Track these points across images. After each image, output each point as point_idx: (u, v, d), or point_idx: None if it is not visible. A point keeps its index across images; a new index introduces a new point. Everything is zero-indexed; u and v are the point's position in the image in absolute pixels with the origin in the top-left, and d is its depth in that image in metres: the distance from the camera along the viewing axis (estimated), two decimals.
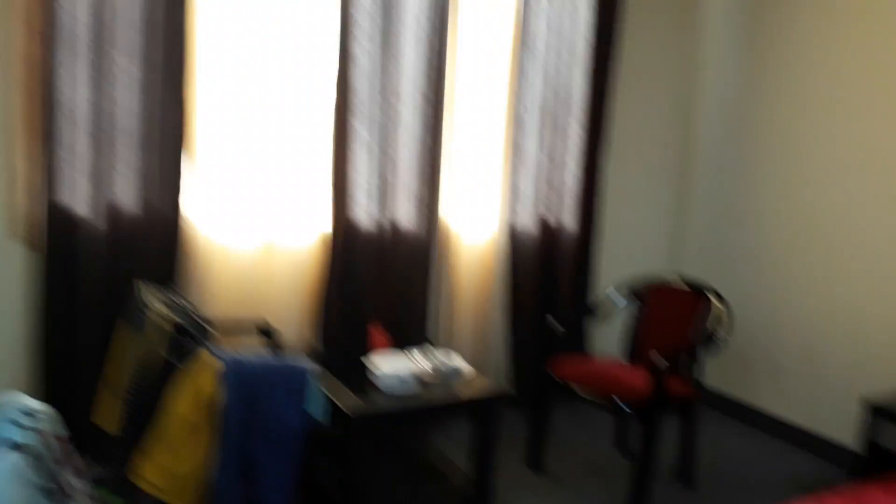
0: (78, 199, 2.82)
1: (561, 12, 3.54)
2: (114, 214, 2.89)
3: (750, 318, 3.75)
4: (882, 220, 3.17)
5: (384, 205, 3.32)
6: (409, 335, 3.39)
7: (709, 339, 2.87)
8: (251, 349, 2.81)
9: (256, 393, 2.26)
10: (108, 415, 2.54)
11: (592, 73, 3.63)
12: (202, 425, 2.19)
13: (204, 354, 2.26)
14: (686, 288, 3.15)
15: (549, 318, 3.04)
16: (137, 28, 2.82)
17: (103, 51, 2.77)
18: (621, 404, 2.71)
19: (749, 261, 3.81)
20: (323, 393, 2.40)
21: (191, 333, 2.39)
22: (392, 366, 2.73)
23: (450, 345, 3.57)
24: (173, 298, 2.65)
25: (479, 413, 2.75)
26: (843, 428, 3.28)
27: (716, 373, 3.87)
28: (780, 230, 3.63)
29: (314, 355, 3.08)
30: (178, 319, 2.35)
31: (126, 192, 2.90)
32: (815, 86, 3.46)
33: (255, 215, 3.15)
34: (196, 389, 2.22)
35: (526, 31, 3.50)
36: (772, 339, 3.67)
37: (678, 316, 3.09)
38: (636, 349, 3.23)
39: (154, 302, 2.46)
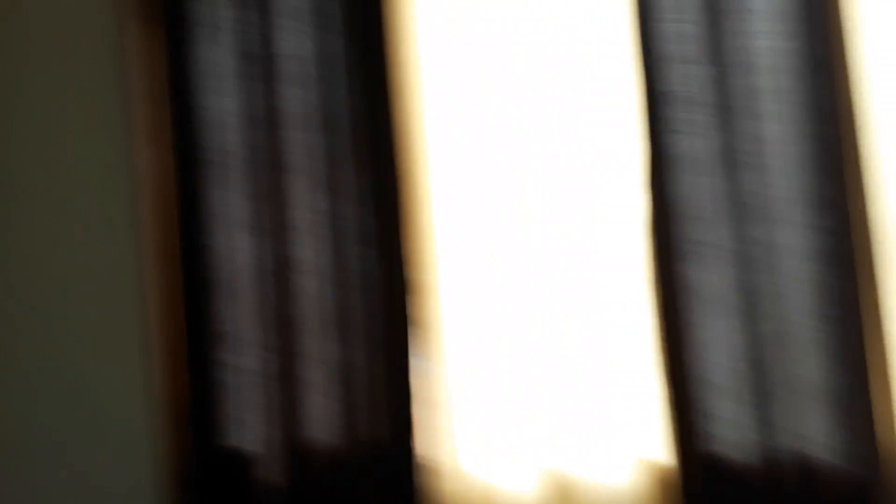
0: (247, 429, 1.73)
1: None
2: (302, 454, 1.74)
3: None
4: None
5: (774, 416, 1.73)
6: None
7: None
8: None
9: None
10: None
11: None
12: None
13: None
14: None
15: None
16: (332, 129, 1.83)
17: (277, 172, 1.81)
18: None
19: None
20: None
21: None
22: None
23: None
24: None
25: None
26: None
27: None
28: None
29: None
30: None
31: (322, 418, 1.75)
32: None
33: (530, 436, 1.81)
34: None
35: None
36: None
37: None
38: None
39: None
